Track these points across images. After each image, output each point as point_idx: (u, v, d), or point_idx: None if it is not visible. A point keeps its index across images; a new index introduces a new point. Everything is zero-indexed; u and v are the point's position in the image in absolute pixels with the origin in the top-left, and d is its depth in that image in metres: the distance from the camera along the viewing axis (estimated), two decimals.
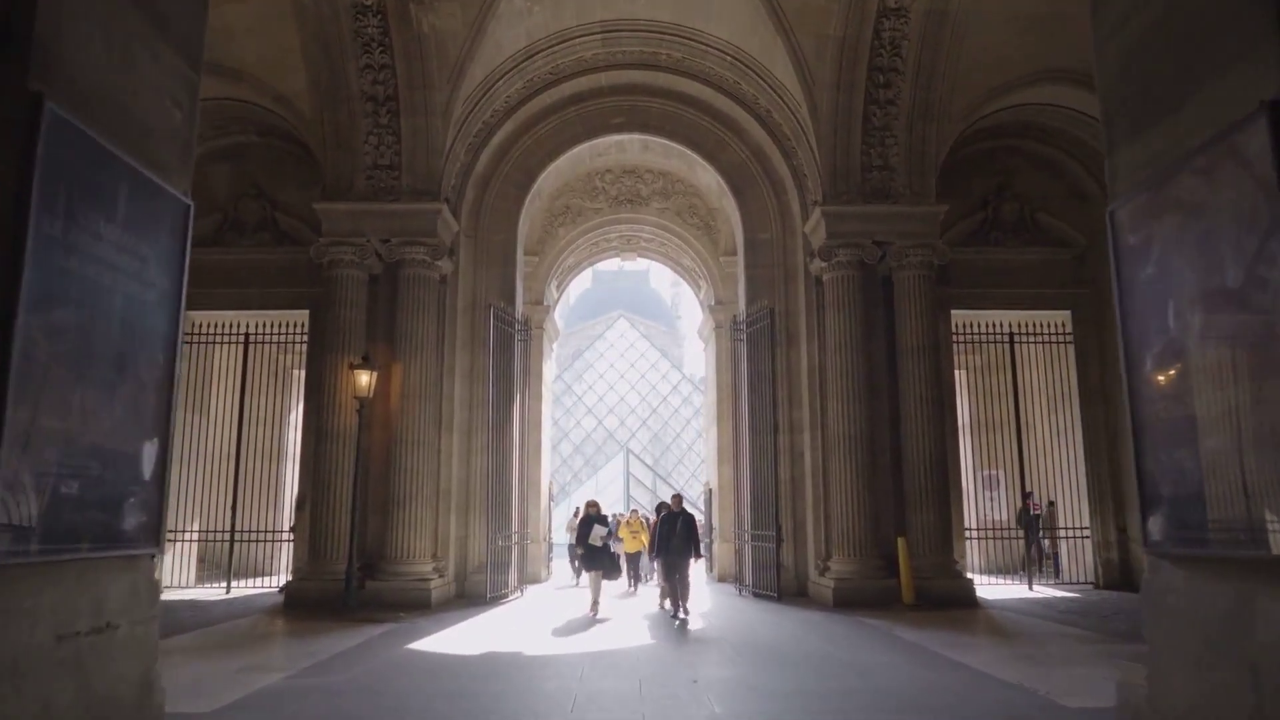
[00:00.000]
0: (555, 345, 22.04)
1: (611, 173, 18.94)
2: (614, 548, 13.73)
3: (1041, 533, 16.29)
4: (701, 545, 14.01)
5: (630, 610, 12.40)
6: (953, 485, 13.17)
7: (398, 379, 12.88)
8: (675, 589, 11.12)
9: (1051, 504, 15.63)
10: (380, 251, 13.20)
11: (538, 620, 11.01)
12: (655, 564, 12.25)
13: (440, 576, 12.77)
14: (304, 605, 11.64)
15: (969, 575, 12.82)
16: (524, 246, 18.03)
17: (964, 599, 12.05)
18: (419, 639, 9.11)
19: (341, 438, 12.47)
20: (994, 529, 15.46)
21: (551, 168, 15.22)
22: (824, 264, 13.30)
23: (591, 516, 12.22)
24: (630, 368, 63.20)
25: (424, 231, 13.16)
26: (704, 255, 19.24)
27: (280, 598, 12.28)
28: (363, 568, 12.43)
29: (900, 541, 12.17)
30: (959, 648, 8.22)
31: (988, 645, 8.47)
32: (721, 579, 17.30)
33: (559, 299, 21.64)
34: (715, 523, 18.20)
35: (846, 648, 8.48)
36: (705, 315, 20.47)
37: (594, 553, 11.94)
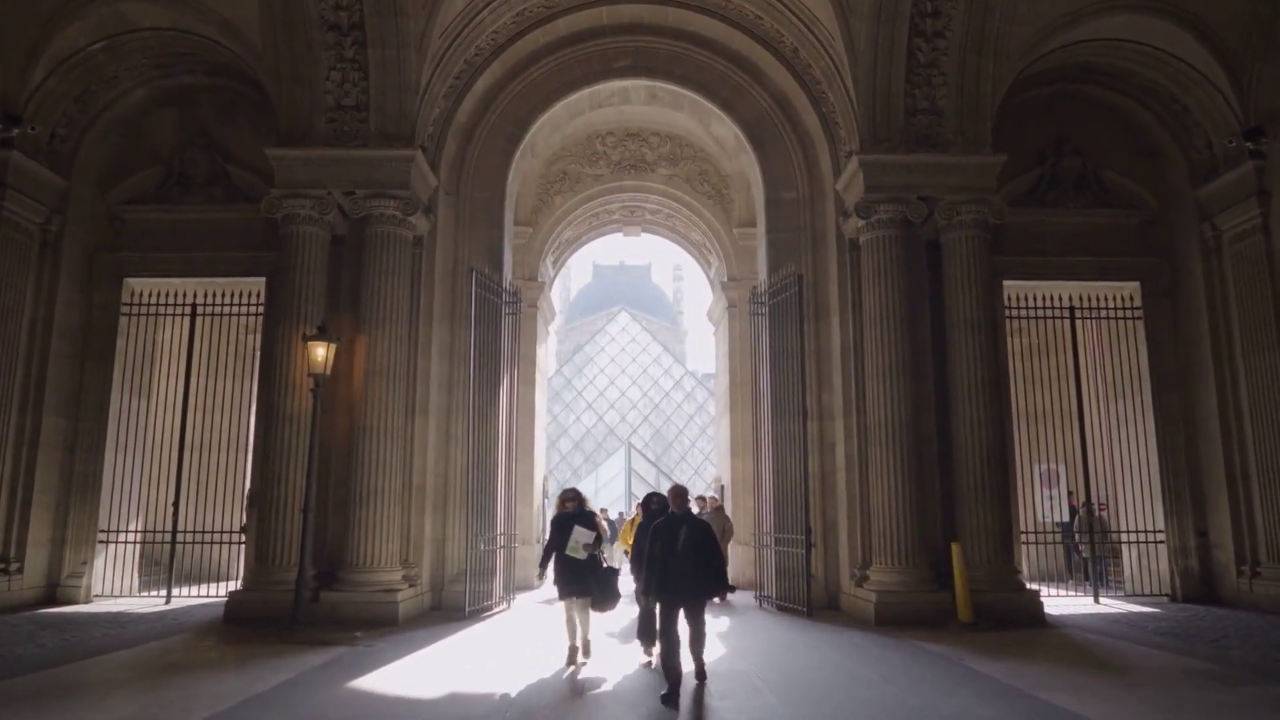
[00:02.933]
0: (552, 328, 20.18)
1: (614, 135, 17.08)
2: (609, 558, 10.89)
3: (1078, 537, 14.37)
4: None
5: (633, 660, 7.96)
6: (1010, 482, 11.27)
7: (362, 355, 10.99)
8: (670, 641, 6.30)
9: (1095, 503, 13.65)
10: (344, 206, 11.30)
11: (520, 644, 9.11)
12: (641, 598, 7.20)
13: (411, 586, 10.88)
14: (246, 620, 9.77)
15: (1032, 586, 10.92)
16: (516, 214, 16.17)
17: (1029, 616, 10.16)
18: (368, 672, 7.22)
19: (294, 422, 10.59)
20: (1047, 532, 13.55)
21: (545, 118, 13.30)
22: (861, 222, 11.40)
23: (570, 515, 7.82)
24: (632, 362, 61.31)
25: (395, 182, 11.26)
26: (715, 227, 17.35)
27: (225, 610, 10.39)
28: (319, 576, 10.56)
29: (954, 548, 10.28)
30: (1066, 691, 6.33)
31: (1100, 687, 6.57)
32: (735, 584, 15.40)
33: (555, 277, 19.75)
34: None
35: (918, 691, 6.59)
36: (716, 294, 18.58)
37: (574, 568, 7.59)
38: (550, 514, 20.66)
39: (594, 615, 7.89)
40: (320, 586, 10.41)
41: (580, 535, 7.59)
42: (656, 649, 6.95)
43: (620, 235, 20.06)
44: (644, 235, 20.04)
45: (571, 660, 7.69)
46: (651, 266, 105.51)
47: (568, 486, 8.52)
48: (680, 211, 17.86)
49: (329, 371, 10.23)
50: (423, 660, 7.90)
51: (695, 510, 10.47)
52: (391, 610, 10.10)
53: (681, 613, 6.45)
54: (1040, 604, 10.36)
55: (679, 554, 6.45)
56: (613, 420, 57.11)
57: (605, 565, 7.96)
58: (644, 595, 6.86)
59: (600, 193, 17.37)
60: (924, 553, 10.58)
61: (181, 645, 8.42)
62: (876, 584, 10.52)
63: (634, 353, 61.82)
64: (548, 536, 8.21)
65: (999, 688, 6.54)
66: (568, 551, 7.58)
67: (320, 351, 10.12)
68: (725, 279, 17.36)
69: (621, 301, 76.21)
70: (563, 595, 7.78)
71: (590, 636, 7.97)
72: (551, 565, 7.83)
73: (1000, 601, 10.13)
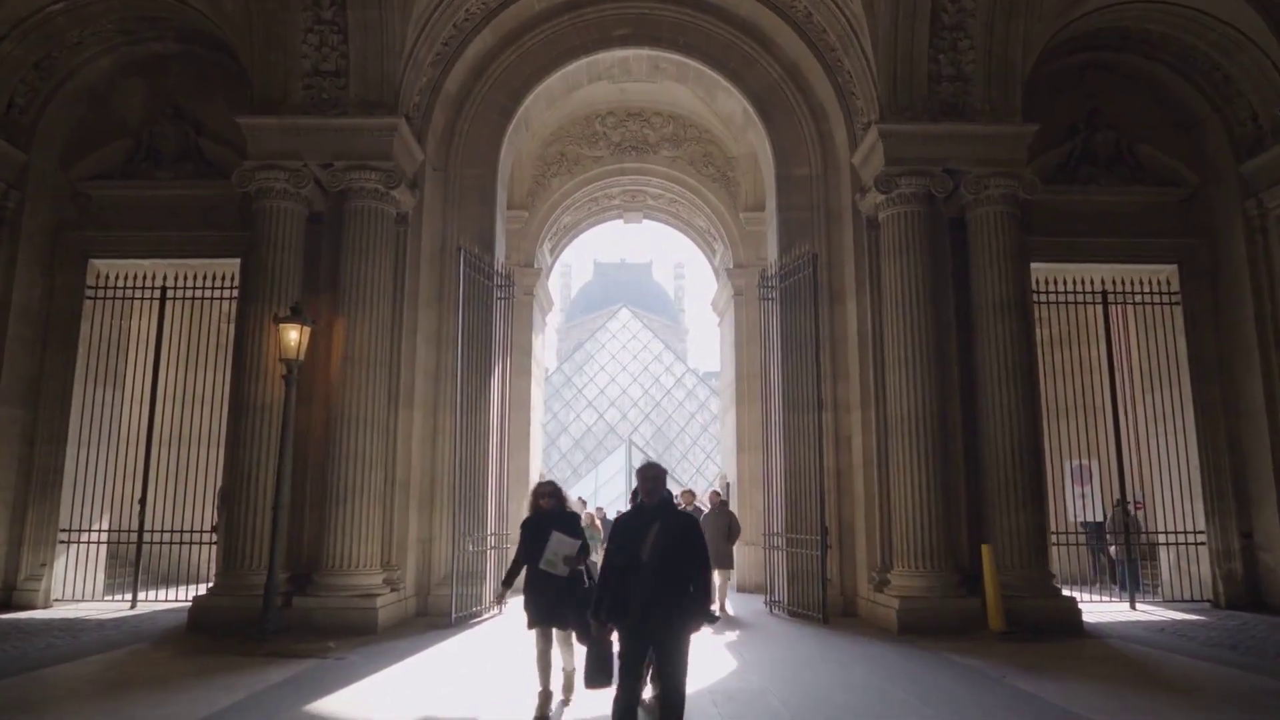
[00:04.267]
0: (549, 319, 19.31)
1: (614, 115, 16.24)
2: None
3: (1109, 538, 13.51)
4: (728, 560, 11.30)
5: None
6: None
7: (340, 340, 10.14)
8: (627, 693, 4.39)
9: (1130, 502, 12.76)
10: (321, 179, 10.45)
11: (509, 657, 8.24)
12: (591, 623, 4.87)
13: (393, 590, 10.03)
14: (211, 629, 8.93)
15: (1068, 592, 10.05)
16: (511, 197, 15.37)
17: (1066, 624, 9.30)
18: (333, 690, 6.37)
19: (265, 412, 9.75)
20: (1077, 532, 12.67)
21: (540, 89, 12.44)
22: (881, 197, 10.53)
23: (546, 516, 5.90)
24: (633, 359, 60.46)
25: (376, 154, 10.41)
26: (720, 211, 16.48)
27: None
28: (293, 580, 9.73)
29: (985, 550, 9.43)
30: (1133, 716, 5.47)
31: (1171, 713, 5.70)
32: (742, 589, 14.57)
33: (553, 265, 18.89)
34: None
35: (963, 716, 5.72)
36: (721, 282, 17.72)
37: (550, 589, 5.68)
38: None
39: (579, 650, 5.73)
40: (294, 591, 9.57)
41: (559, 545, 5.56)
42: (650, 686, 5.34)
43: (620, 222, 19.19)
44: (645, 222, 19.17)
45: (543, 710, 5.61)
46: (653, 264, 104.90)
47: (545, 479, 6.28)
48: (683, 196, 17.00)
49: (302, 357, 9.37)
50: (398, 676, 7.05)
51: (682, 505, 9.68)
52: (370, 617, 9.25)
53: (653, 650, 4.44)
54: (1078, 611, 9.50)
55: (644, 564, 4.29)
56: (613, 418, 56.27)
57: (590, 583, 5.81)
58: (593, 619, 4.63)
59: (600, 175, 16.52)
60: (951, 555, 9.74)
61: (132, 658, 7.56)
62: (899, 589, 9.66)
63: (635, 350, 61.01)
64: (519, 547, 6.09)
65: (1055, 713, 5.67)
66: (542, 565, 5.58)
67: (293, 335, 9.27)
68: (731, 265, 16.49)
69: (622, 299, 75.45)
70: (533, 624, 5.71)
71: (575, 664, 5.86)
72: (521, 581, 5.88)
73: (1034, 609, 9.28)
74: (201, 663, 7.32)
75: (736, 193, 16.38)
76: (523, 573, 5.92)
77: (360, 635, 8.97)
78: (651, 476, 4.64)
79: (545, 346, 19.27)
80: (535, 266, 16.42)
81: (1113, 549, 13.67)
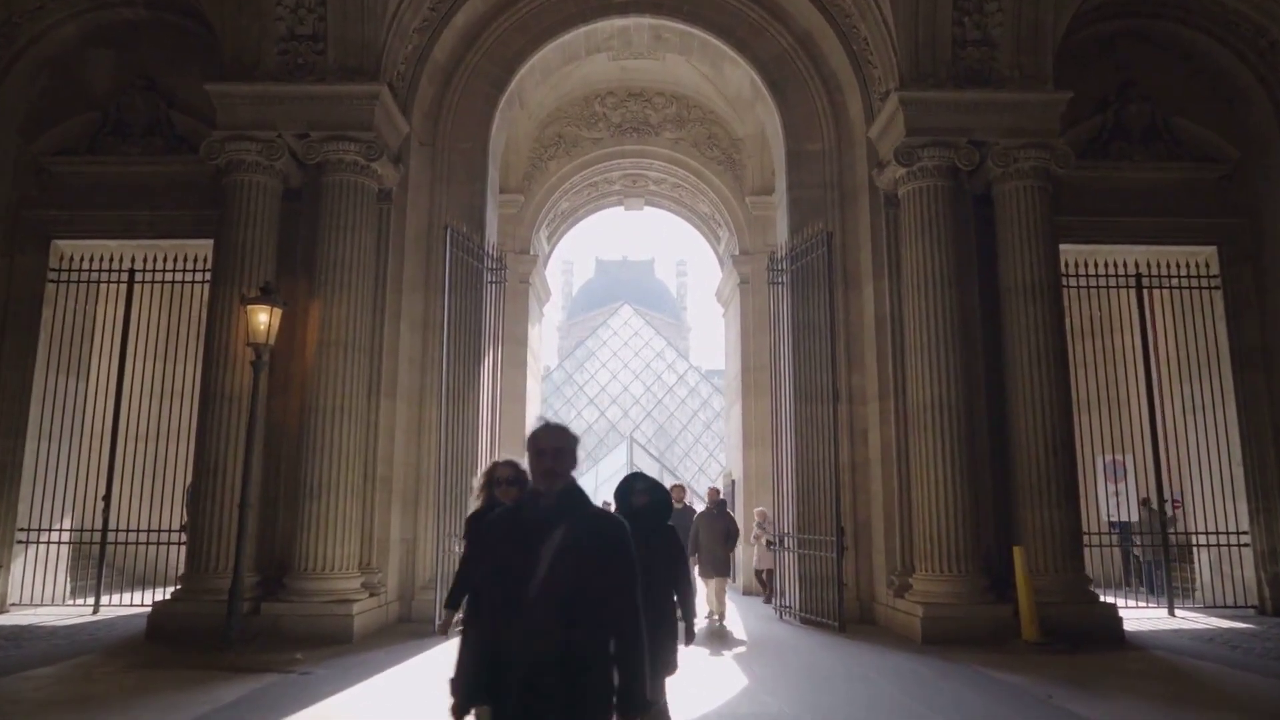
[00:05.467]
0: (547, 309, 18.54)
1: (614, 95, 15.48)
2: None
3: (1140, 538, 12.74)
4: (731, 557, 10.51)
5: None
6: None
7: (316, 323, 9.37)
8: None
9: (1170, 499, 11.95)
10: (297, 151, 9.68)
11: None
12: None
13: (372, 595, 9.27)
14: (172, 637, 8.18)
15: (1106, 598, 9.26)
16: (506, 181, 14.63)
17: (1106, 633, 8.51)
18: (290, 713, 5.59)
19: (234, 402, 8.98)
20: (1107, 533, 11.85)
21: (536, 59, 11.66)
22: (901, 171, 9.75)
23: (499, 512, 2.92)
24: (634, 356, 59.65)
25: (356, 123, 9.64)
26: (726, 195, 15.72)
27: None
28: (264, 583, 8.97)
29: (1017, 552, 8.63)
30: None
31: None
32: (748, 592, 13.83)
33: (551, 253, 18.12)
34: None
35: None
36: (726, 271, 16.94)
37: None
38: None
39: None
40: (264, 595, 8.81)
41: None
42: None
43: (621, 209, 18.44)
44: (647, 209, 18.43)
45: None
46: (655, 261, 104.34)
47: (504, 460, 4.44)
48: (686, 180, 16.24)
49: (272, 341, 8.60)
50: (367, 694, 6.29)
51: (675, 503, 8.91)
52: (344, 624, 8.47)
53: None
54: (1119, 618, 8.72)
55: (531, 600, 2.42)
56: (615, 416, 55.50)
57: None
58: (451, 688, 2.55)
59: (599, 158, 15.77)
60: (978, 557, 8.95)
61: (74, 673, 6.79)
62: (922, 595, 8.88)
63: (636, 347, 60.23)
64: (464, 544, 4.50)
65: None
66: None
67: (262, 317, 8.50)
68: (736, 252, 15.72)
69: (624, 297, 74.73)
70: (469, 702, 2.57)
71: None
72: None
73: (1070, 616, 8.49)
74: (149, 678, 6.55)
75: (742, 176, 15.62)
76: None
77: (334, 645, 8.20)
78: (544, 450, 2.58)
79: (542, 338, 18.50)
80: (531, 253, 15.68)
81: (1138, 550, 12.92)
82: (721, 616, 10.26)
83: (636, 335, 61.30)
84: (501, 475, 4.24)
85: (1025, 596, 8.40)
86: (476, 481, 4.51)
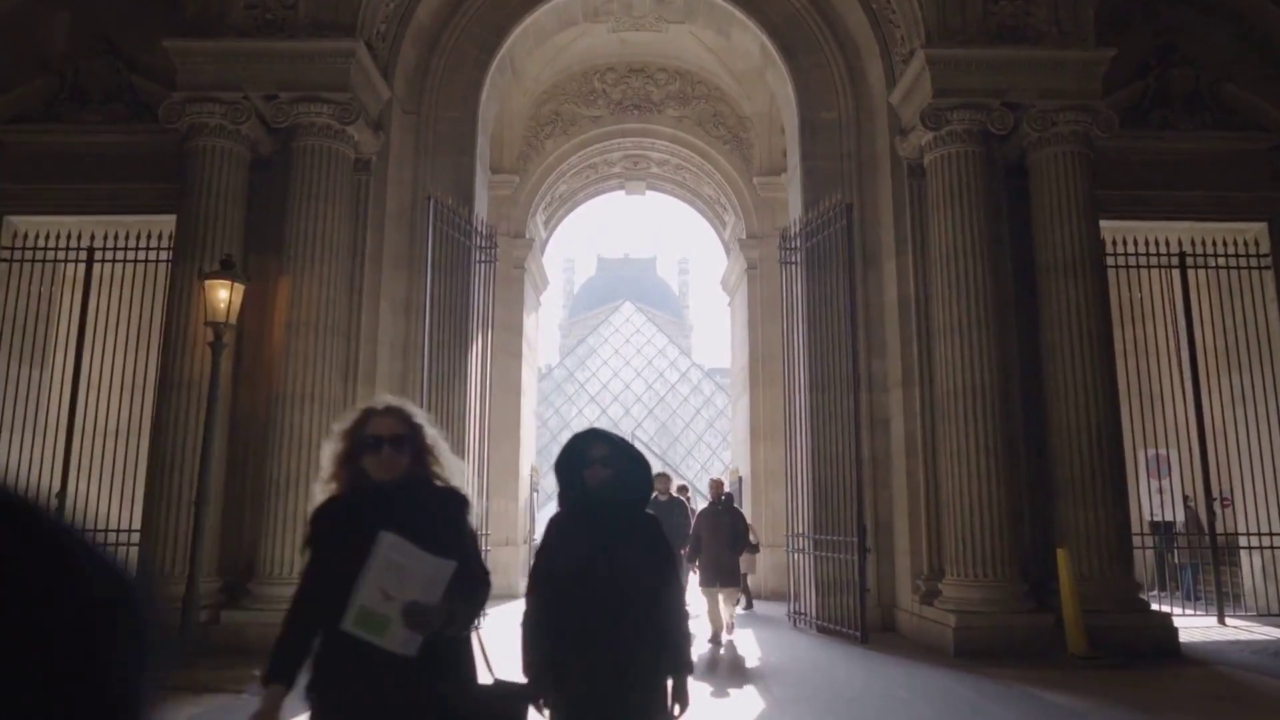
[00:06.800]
0: (544, 298, 17.68)
1: (614, 71, 14.65)
2: None
3: (1184, 539, 11.89)
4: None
5: None
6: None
7: (284, 302, 8.53)
8: None
9: (1218, 498, 11.07)
10: (265, 114, 8.84)
11: None
12: None
13: None
14: None
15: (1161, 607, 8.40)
16: (500, 160, 13.84)
17: (1160, 645, 7.67)
18: None
19: (193, 389, 8.15)
20: (1151, 534, 10.95)
21: (529, 22, 10.83)
22: (928, 135, 8.89)
23: (367, 494, 2.19)
24: (636, 354, 58.88)
25: (330, 84, 8.80)
26: (732, 176, 14.89)
27: None
28: (226, 589, 8.13)
29: (1061, 554, 7.76)
30: None
31: None
32: (756, 595, 12.95)
33: (548, 239, 17.26)
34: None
35: None
36: (732, 257, 16.09)
37: (369, 683, 2.09)
38: (543, 511, 17.82)
39: None
40: (226, 603, 7.97)
41: (398, 570, 2.06)
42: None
43: (622, 193, 17.60)
44: (649, 193, 17.59)
45: None
46: (657, 259, 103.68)
47: (391, 403, 2.31)
48: (691, 161, 15.40)
49: (233, 319, 7.77)
50: None
51: (675, 498, 7.95)
52: None
53: None
54: (1174, 629, 7.86)
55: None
56: (616, 413, 54.69)
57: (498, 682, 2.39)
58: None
59: (598, 137, 14.93)
60: (1016, 561, 8.09)
61: None
62: (954, 601, 8.02)
63: (638, 344, 59.48)
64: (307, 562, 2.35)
65: None
66: (349, 626, 2.03)
67: (222, 293, 7.66)
68: (744, 236, 14.86)
69: (626, 295, 73.91)
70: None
71: None
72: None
73: (1120, 626, 7.63)
74: None
75: (750, 156, 14.78)
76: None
77: None
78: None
79: (539, 328, 17.64)
80: (528, 237, 14.82)
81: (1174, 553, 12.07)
82: (727, 628, 8.86)
83: (638, 332, 60.56)
84: (371, 436, 2.23)
85: (1071, 605, 7.54)
86: (325, 455, 2.32)
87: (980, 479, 8.13)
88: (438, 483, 2.28)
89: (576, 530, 2.52)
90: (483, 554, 3.03)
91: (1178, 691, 6.41)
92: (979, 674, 6.79)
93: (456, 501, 2.28)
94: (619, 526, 2.50)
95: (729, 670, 7.31)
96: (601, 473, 2.51)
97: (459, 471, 2.35)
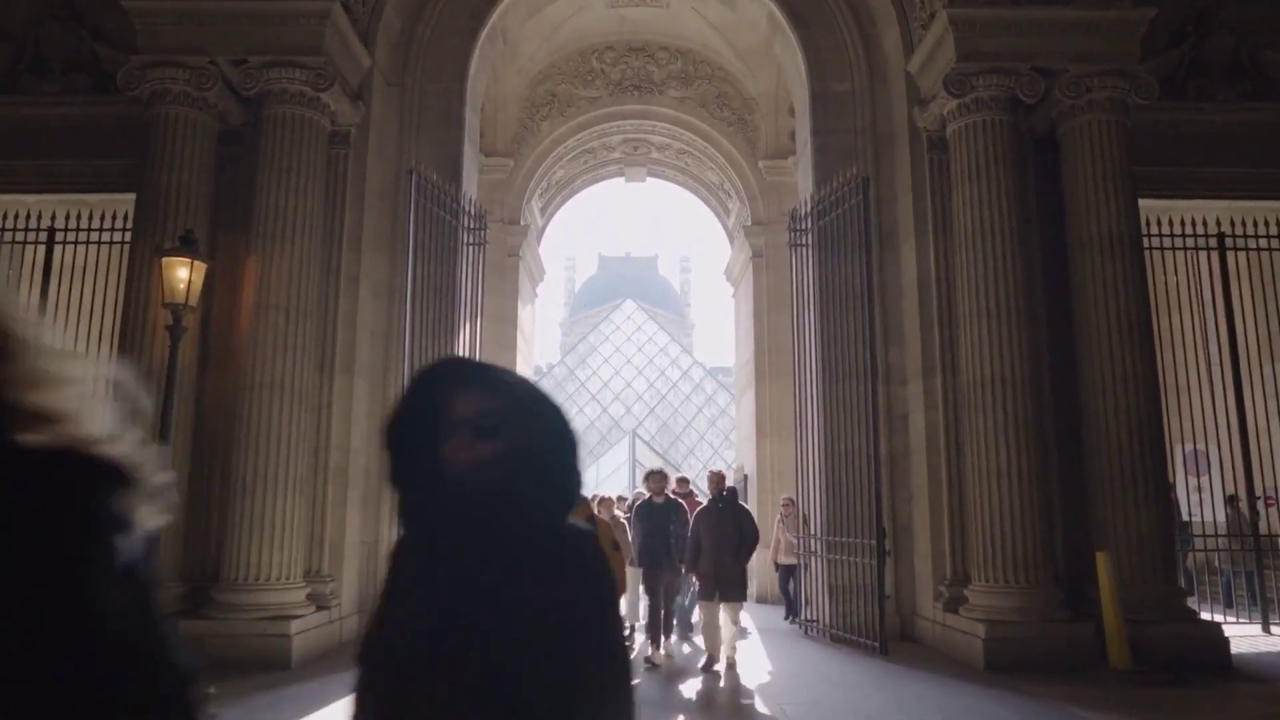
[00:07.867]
0: (543, 294, 17.02)
1: (613, 50, 13.98)
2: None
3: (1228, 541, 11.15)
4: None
5: None
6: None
7: (252, 283, 7.85)
8: None
9: (1261, 497, 10.35)
10: (233, 80, 8.17)
11: None
12: None
13: (321, 609, 7.73)
14: None
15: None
16: (493, 142, 13.21)
17: (1209, 659, 6.98)
18: None
19: (152, 376, 7.45)
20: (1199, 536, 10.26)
21: None
22: (952, 103, 8.20)
23: None
24: (638, 351, 58.23)
25: (303, 47, 8.12)
26: (737, 160, 14.20)
27: None
28: (191, 595, 7.45)
29: (1100, 559, 7.07)
30: None
31: None
32: (762, 599, 12.29)
33: (545, 226, 16.59)
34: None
35: None
36: (736, 245, 15.40)
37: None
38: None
39: None
40: (188, 611, 7.29)
41: None
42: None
43: (621, 180, 16.93)
44: (650, 180, 16.91)
45: None
46: (658, 258, 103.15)
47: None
48: (693, 145, 14.72)
49: (194, 300, 7.10)
50: None
51: (674, 495, 7.13)
52: (280, 647, 6.94)
53: None
54: (1224, 640, 7.17)
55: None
56: (617, 412, 54.09)
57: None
58: None
59: (597, 119, 14.25)
60: (1050, 565, 7.40)
61: None
62: (983, 610, 7.32)
63: (640, 342, 58.88)
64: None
65: None
66: None
67: (181, 272, 6.99)
68: (749, 222, 14.18)
69: (627, 293, 73.29)
70: None
71: None
72: None
73: (1165, 637, 6.94)
74: None
75: (755, 139, 14.09)
76: None
77: (268, 672, 6.69)
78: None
79: (536, 320, 16.97)
80: (523, 223, 14.14)
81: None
82: (728, 649, 7.30)
83: (640, 330, 59.94)
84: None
85: (1113, 614, 6.85)
86: None
87: (1009, 476, 7.43)
88: None
89: (421, 571, 1.23)
90: None
91: (1234, 711, 5.75)
92: (1015, 691, 6.10)
93: None
94: (501, 564, 1.17)
95: (728, 715, 6.00)
96: (475, 448, 1.22)
97: None
